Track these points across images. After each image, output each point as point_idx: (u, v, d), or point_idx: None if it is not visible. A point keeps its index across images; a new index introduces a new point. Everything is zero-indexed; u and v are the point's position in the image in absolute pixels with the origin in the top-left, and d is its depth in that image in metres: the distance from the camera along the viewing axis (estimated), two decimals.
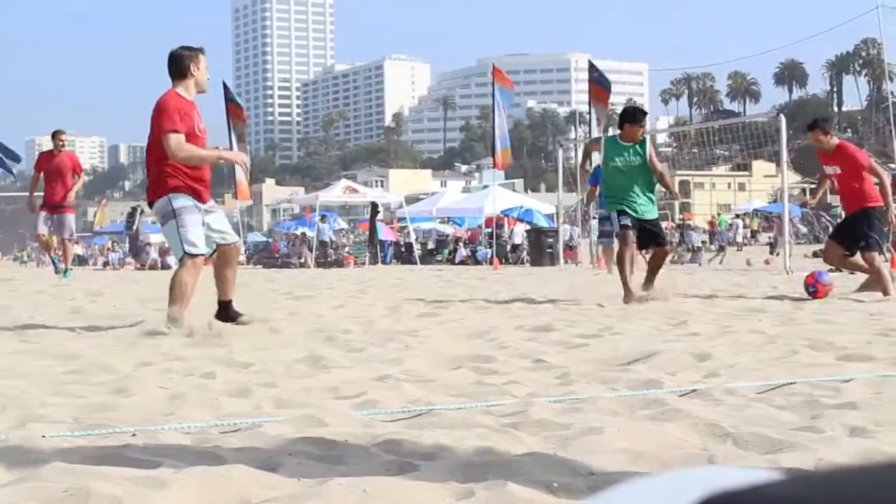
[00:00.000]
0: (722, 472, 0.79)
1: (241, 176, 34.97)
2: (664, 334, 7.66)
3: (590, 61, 32.49)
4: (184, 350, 6.99)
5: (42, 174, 18.31)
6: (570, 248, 31.96)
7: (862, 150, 12.78)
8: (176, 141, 8.36)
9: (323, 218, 40.55)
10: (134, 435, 3.85)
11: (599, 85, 29.74)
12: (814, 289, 11.56)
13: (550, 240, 31.47)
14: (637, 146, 11.55)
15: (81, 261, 61.22)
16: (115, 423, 4.14)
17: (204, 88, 8.87)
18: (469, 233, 47.76)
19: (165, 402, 4.82)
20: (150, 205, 8.81)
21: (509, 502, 2.83)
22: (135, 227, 49.43)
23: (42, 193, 18.52)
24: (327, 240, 39.52)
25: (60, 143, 18.55)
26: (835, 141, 12.25)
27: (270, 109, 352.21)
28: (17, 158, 23.13)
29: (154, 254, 43.42)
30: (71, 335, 8.08)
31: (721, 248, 37.58)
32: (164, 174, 8.51)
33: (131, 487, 2.98)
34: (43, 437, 3.80)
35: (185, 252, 8.52)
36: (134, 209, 52.80)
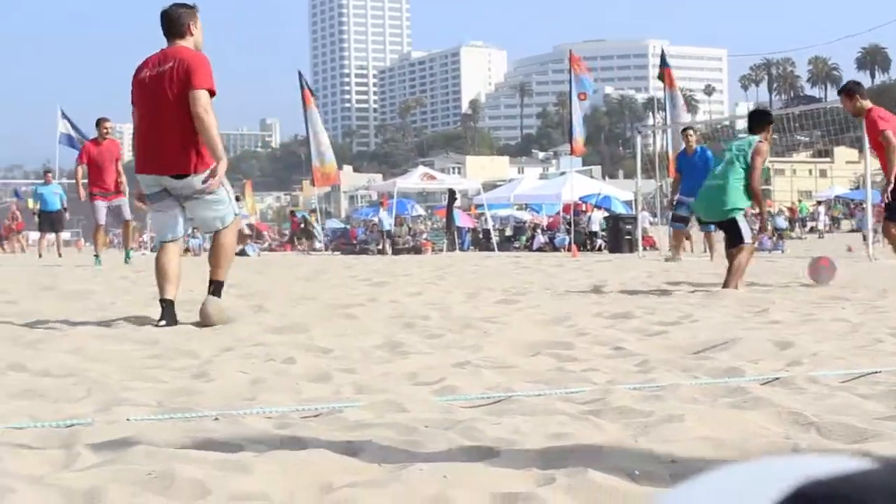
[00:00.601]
0: (809, 461, 0.78)
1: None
2: (745, 322, 7.58)
3: (662, 49, 32.34)
4: (264, 336, 7.05)
5: (87, 164, 18.62)
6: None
7: (887, 116, 11.74)
8: (209, 101, 7.84)
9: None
10: (216, 419, 3.89)
11: (665, 66, 29.79)
12: None
13: (629, 226, 31.27)
14: None
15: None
16: (198, 407, 4.19)
17: (201, 49, 8.22)
18: (548, 219, 47.62)
19: (247, 386, 4.86)
20: (180, 177, 7.94)
21: (590, 489, 2.82)
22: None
23: (84, 181, 18.90)
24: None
25: (105, 131, 18.85)
26: (866, 105, 11.64)
27: (347, 97, 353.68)
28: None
29: None
30: (152, 320, 8.17)
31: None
32: (198, 142, 7.86)
33: (214, 471, 3.01)
34: (127, 420, 3.85)
35: (235, 215, 8.42)
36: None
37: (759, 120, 11.77)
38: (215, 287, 8.17)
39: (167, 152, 7.90)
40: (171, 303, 7.98)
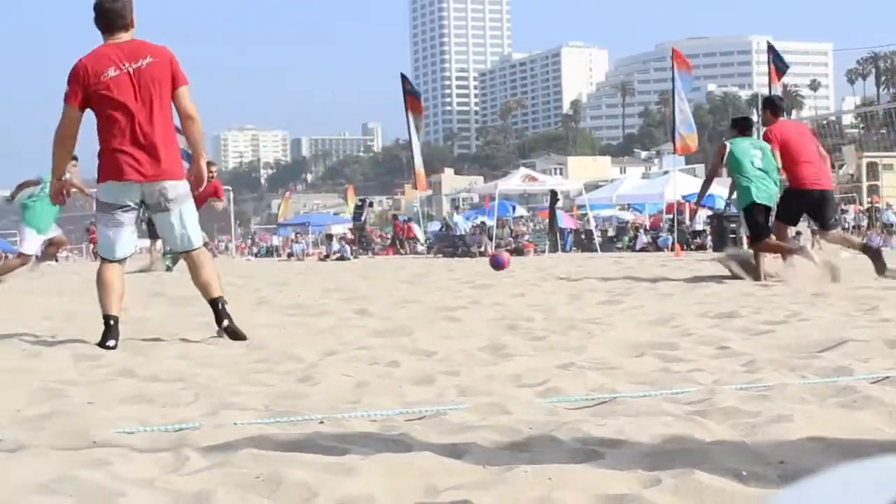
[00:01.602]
0: None
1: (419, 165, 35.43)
2: (854, 321, 7.44)
3: (768, 43, 31.86)
4: (368, 339, 7.09)
5: None
6: None
7: None
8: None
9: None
10: (322, 422, 3.92)
11: (776, 66, 29.25)
12: None
13: (733, 225, 30.91)
14: None
15: (267, 251, 62.66)
16: (304, 410, 4.22)
17: None
18: (650, 219, 47.29)
19: (351, 390, 4.89)
20: (149, 182, 7.19)
21: (697, 490, 2.79)
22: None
23: None
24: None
25: (210, 174, 19.24)
26: None
27: (448, 99, 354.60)
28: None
29: (336, 245, 44.08)
30: (258, 325, 8.26)
31: None
32: (177, 146, 7.39)
33: (321, 474, 3.04)
34: (235, 424, 3.89)
35: (199, 244, 7.65)
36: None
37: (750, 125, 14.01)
38: (222, 304, 7.57)
39: (158, 156, 7.17)
40: (117, 320, 7.17)
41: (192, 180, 7.46)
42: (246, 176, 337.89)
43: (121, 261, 7.40)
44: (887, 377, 4.65)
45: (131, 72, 7.09)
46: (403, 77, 37.40)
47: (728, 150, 12.96)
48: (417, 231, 48.32)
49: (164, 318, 9.14)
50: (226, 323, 7.40)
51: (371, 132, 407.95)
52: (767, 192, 12.72)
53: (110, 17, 7.23)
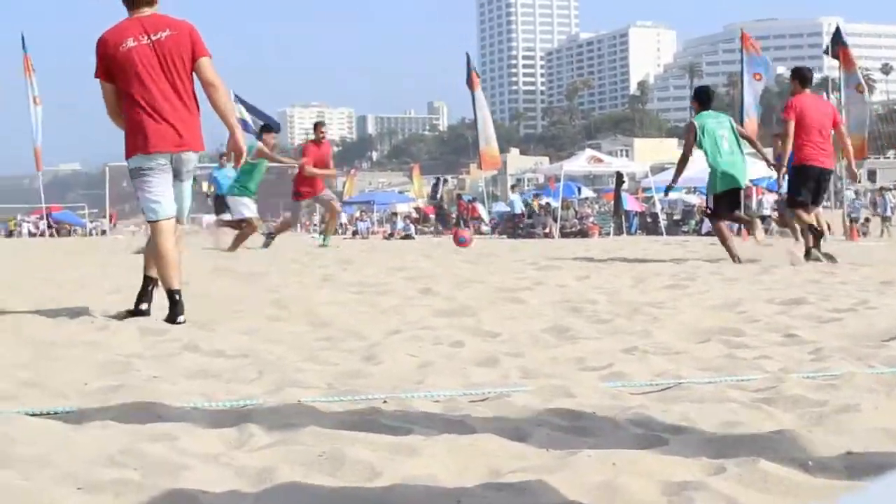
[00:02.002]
0: None
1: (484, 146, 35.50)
2: None
3: (837, 27, 31.46)
4: (432, 319, 7.10)
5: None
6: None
7: None
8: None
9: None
10: (385, 402, 3.93)
11: (841, 45, 28.84)
12: None
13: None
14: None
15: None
16: (367, 389, 4.24)
17: None
18: None
19: (414, 369, 4.90)
20: (182, 149, 7.35)
21: (762, 479, 2.76)
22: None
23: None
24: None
25: (321, 134, 19.93)
26: None
27: (515, 79, 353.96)
28: (277, 127, 24.15)
29: (400, 223, 44.17)
30: (323, 303, 8.30)
31: None
32: (198, 115, 7.50)
33: (383, 453, 3.05)
34: (299, 401, 3.91)
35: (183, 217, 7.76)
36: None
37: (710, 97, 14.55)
38: (153, 286, 7.55)
39: (183, 128, 7.32)
40: (180, 293, 7.27)
41: (232, 153, 7.74)
42: None
43: (169, 219, 7.42)
44: None
45: (150, 43, 7.23)
46: (468, 57, 37.43)
47: (697, 128, 13.90)
48: (482, 211, 48.29)
49: (230, 294, 9.20)
50: (144, 306, 7.42)
51: (437, 111, 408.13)
52: (735, 175, 13.87)
53: None
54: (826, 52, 29.52)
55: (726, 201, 14.00)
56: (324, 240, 21.47)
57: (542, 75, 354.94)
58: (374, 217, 63.82)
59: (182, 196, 7.54)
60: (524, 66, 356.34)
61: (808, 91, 14.21)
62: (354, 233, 49.43)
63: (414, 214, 53.51)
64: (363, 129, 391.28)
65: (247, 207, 18.62)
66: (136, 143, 7.28)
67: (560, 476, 2.79)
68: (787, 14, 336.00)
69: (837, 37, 29.58)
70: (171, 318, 7.05)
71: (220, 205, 30.51)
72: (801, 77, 14.24)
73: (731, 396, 3.98)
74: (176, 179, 7.43)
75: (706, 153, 13.82)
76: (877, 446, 3.15)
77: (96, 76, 7.33)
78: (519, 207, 41.16)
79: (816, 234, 13.96)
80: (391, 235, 41.55)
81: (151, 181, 7.34)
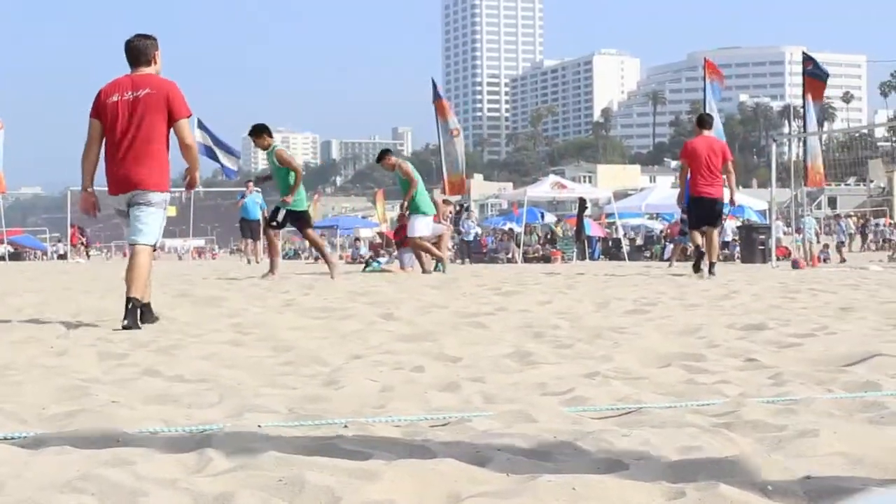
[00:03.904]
0: None
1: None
2: (884, 335, 7.39)
3: (804, 53, 31.70)
4: (394, 344, 7.08)
5: None
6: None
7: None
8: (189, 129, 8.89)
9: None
10: (346, 427, 3.92)
11: (814, 78, 29.00)
12: None
13: (762, 236, 30.82)
14: None
15: (295, 253, 62.88)
16: (328, 414, 4.22)
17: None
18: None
19: (376, 394, 4.88)
20: (132, 190, 8.64)
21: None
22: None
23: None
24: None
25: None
26: None
27: (479, 105, 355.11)
28: (237, 154, 24.09)
29: (364, 248, 44.11)
30: (284, 328, 8.28)
31: None
32: (164, 163, 8.73)
33: (344, 478, 3.03)
34: (259, 426, 3.89)
35: (155, 241, 8.84)
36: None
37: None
38: (132, 304, 8.42)
39: (141, 173, 8.57)
40: (138, 301, 8.44)
41: (187, 184, 9.12)
42: None
43: (145, 245, 8.66)
44: None
45: (130, 99, 8.52)
46: (434, 82, 37.42)
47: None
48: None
49: (191, 318, 9.16)
50: (125, 322, 8.26)
51: (401, 136, 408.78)
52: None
53: (133, 54, 8.74)
54: (823, 80, 29.27)
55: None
56: (442, 266, 20.28)
57: (506, 101, 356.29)
58: (338, 242, 63.71)
59: (136, 219, 8.66)
60: (489, 93, 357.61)
61: (705, 132, 17.23)
62: (316, 258, 49.26)
63: (378, 240, 53.40)
64: (327, 153, 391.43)
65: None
66: (108, 185, 8.75)
67: (520, 501, 2.79)
68: (751, 43, 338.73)
69: (805, 68, 29.60)
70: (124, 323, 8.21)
71: (245, 229, 31.01)
72: (699, 121, 17.65)
73: (692, 421, 3.99)
74: (133, 205, 8.65)
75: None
76: (836, 471, 3.16)
77: (91, 116, 8.68)
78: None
79: (701, 254, 17.12)
80: (354, 261, 41.45)
81: (125, 221, 8.76)
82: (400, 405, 4.51)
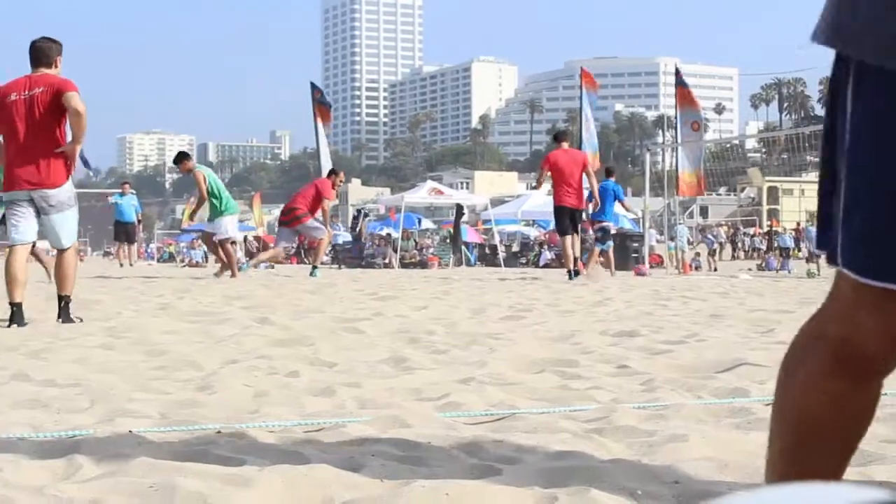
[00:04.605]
0: (833, 488, 0.76)
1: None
2: (750, 342, 7.55)
3: (676, 67, 32.33)
4: (269, 349, 7.04)
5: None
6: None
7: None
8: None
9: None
10: (219, 432, 3.89)
11: (687, 88, 29.68)
12: None
13: (636, 244, 31.26)
14: None
15: (170, 256, 62.06)
16: (201, 419, 4.18)
17: None
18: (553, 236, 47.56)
19: (250, 400, 4.85)
20: (33, 189, 8.85)
21: None
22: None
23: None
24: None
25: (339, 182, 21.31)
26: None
27: (358, 110, 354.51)
28: (87, 165, 23.80)
29: (240, 252, 43.69)
30: (158, 331, 8.18)
31: (812, 256, 37.10)
32: (60, 157, 8.86)
33: (216, 484, 3.01)
34: (130, 432, 3.84)
35: (75, 238, 9.20)
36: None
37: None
38: (66, 302, 9.02)
39: (38, 170, 8.80)
40: (20, 305, 8.75)
41: (65, 154, 8.97)
42: (150, 180, 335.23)
43: (23, 245, 8.97)
44: None
45: (25, 98, 8.74)
46: (313, 86, 37.24)
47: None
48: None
49: (60, 322, 9.00)
50: (61, 320, 8.88)
51: (279, 140, 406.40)
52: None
53: (35, 54, 9.01)
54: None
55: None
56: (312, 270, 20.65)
57: (385, 107, 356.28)
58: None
59: (52, 228, 8.97)
60: (367, 98, 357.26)
61: (564, 145, 18.57)
62: (190, 263, 48.71)
63: (254, 244, 52.95)
64: (204, 156, 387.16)
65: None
66: (6, 182, 8.99)
67: None
68: (627, 53, 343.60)
69: (678, 78, 30.38)
70: (9, 324, 8.54)
71: (119, 231, 30.20)
72: (559, 135, 19.19)
73: (564, 427, 4.03)
74: (42, 215, 8.92)
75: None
76: (704, 475, 3.22)
77: None
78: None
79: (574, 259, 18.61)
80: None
81: (14, 213, 8.95)
82: (274, 410, 4.48)
